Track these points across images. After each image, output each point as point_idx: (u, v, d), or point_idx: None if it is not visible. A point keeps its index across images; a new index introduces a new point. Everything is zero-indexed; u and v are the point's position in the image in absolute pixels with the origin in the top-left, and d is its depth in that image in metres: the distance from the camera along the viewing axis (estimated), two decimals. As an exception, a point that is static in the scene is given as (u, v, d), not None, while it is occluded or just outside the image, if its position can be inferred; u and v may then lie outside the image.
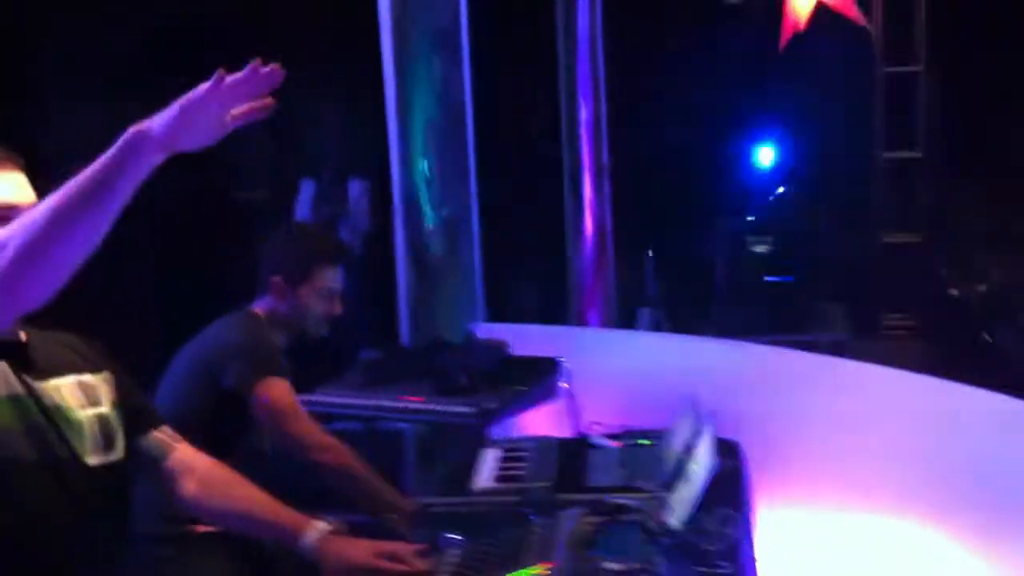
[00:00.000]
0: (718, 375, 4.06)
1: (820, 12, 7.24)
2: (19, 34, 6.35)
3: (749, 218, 7.94)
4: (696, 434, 2.90)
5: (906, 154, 7.90)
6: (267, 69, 1.60)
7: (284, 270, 3.14)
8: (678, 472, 2.62)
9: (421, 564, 2.06)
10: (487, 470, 2.91)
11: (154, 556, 2.78)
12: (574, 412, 3.63)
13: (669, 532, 2.27)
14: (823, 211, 7.89)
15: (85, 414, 1.97)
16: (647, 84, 7.92)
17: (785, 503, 3.74)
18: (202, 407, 2.92)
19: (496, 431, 3.64)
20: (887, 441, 3.62)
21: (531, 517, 2.21)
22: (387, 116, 5.16)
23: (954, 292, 7.03)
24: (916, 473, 3.51)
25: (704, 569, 2.48)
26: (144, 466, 2.12)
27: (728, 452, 3.22)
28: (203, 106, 1.59)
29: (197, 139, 1.63)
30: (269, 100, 1.65)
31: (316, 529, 2.15)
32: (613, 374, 4.38)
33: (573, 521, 2.14)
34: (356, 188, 7.26)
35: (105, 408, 2.02)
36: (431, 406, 3.62)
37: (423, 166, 5.17)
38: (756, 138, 8.38)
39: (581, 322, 7.24)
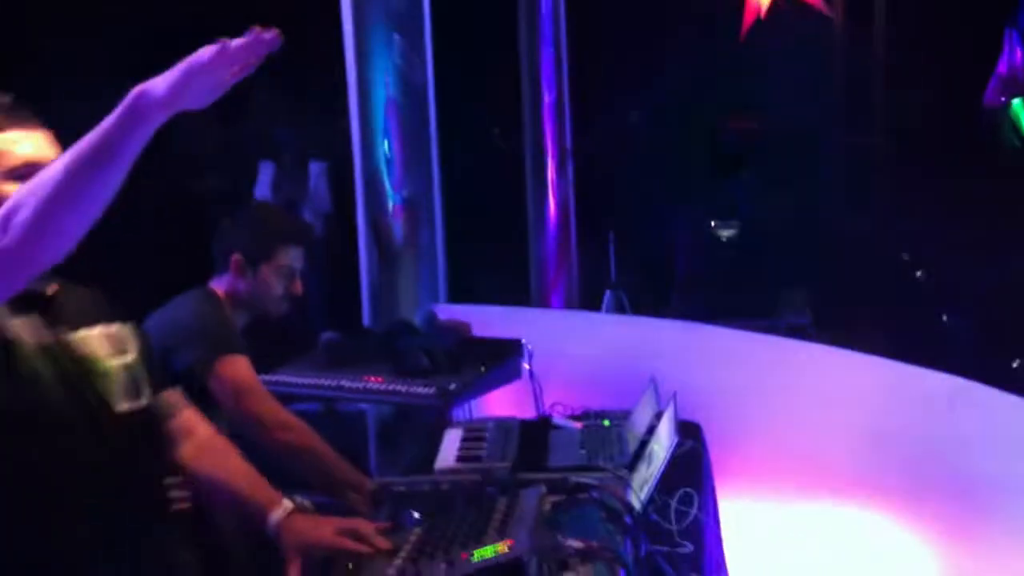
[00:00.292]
0: (680, 357, 4.07)
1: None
2: (19, 34, 6.26)
3: (712, 202, 7.96)
4: (657, 415, 2.91)
5: (867, 139, 7.96)
6: (268, 35, 1.64)
7: (244, 248, 3.12)
8: (639, 453, 2.62)
9: (383, 542, 2.06)
10: (449, 450, 2.90)
11: None
12: (536, 393, 3.63)
13: (630, 511, 2.28)
14: (784, 195, 7.92)
15: (113, 363, 2.04)
16: (610, 67, 7.91)
17: (745, 483, 3.77)
18: None
19: (458, 412, 3.64)
20: (846, 422, 3.65)
21: (493, 496, 2.20)
22: (348, 97, 5.12)
23: (916, 275, 7.10)
24: (875, 452, 3.56)
25: (666, 548, 2.49)
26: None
27: (689, 433, 3.25)
28: (206, 70, 1.62)
29: (198, 100, 1.67)
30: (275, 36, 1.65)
31: (281, 508, 2.16)
32: (575, 356, 4.39)
33: (534, 500, 2.14)
34: (316, 170, 7.22)
35: (131, 357, 2.08)
36: (393, 387, 3.61)
37: (384, 147, 5.13)
38: (719, 122, 8.38)
39: (544, 304, 7.25)
